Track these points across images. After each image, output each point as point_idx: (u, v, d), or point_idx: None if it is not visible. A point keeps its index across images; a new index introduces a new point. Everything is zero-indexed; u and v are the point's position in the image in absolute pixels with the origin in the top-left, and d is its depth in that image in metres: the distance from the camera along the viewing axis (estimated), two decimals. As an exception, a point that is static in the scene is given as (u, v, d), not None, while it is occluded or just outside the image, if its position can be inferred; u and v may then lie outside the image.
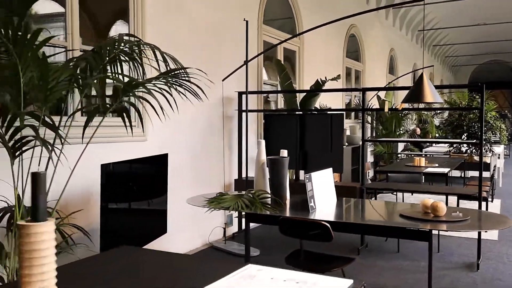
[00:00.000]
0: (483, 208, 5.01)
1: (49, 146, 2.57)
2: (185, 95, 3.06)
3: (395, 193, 6.82)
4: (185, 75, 3.01)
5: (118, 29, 4.55)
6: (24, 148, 2.68)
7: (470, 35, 17.72)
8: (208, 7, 5.25)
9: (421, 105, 11.77)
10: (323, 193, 3.67)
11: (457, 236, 5.49)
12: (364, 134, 5.30)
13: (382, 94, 10.22)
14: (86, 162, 3.01)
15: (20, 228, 0.89)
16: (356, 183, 6.14)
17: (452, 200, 5.41)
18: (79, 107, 3.38)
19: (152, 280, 1.24)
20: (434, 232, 3.63)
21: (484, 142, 4.83)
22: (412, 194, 7.55)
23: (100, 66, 2.94)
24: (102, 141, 3.70)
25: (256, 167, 3.84)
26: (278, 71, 6.41)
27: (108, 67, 3.01)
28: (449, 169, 6.74)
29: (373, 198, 5.74)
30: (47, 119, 2.69)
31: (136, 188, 3.53)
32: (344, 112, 7.45)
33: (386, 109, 5.30)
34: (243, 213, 4.35)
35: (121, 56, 3.03)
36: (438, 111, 12.54)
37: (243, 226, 5.63)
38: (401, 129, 10.06)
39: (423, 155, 9.64)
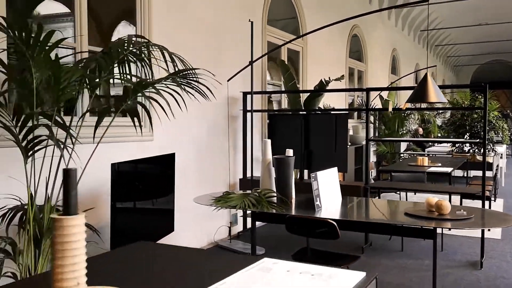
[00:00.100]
0: (486, 207, 5.04)
1: (61, 145, 2.63)
2: (193, 95, 3.11)
3: (398, 192, 6.86)
4: (194, 76, 3.06)
5: (121, 29, 4.60)
6: (36, 148, 2.74)
7: (472, 35, 17.75)
8: (212, 8, 5.30)
9: (423, 105, 11.82)
10: (328, 192, 3.71)
11: (460, 235, 5.53)
12: (368, 133, 5.35)
13: (384, 94, 10.25)
14: (96, 161, 3.06)
15: (54, 221, 0.94)
16: (360, 182, 6.18)
17: (455, 199, 5.45)
18: (88, 107, 3.43)
19: (173, 273, 1.29)
20: (438, 230, 3.67)
21: (486, 141, 4.87)
22: (415, 194, 7.59)
23: (109, 67, 3.00)
24: (110, 140, 3.75)
25: (262, 167, 3.88)
26: (282, 71, 6.46)
27: (116, 68, 3.06)
28: (452, 168, 6.78)
29: (377, 197, 5.78)
30: (58, 119, 2.75)
31: (144, 187, 3.59)
32: (348, 112, 7.49)
33: (390, 109, 5.34)
34: (248, 212, 4.41)
35: (129, 57, 3.09)
36: (440, 111, 12.59)
37: (248, 225, 5.68)
38: (403, 129, 10.10)
39: (426, 155, 9.69)
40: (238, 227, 5.77)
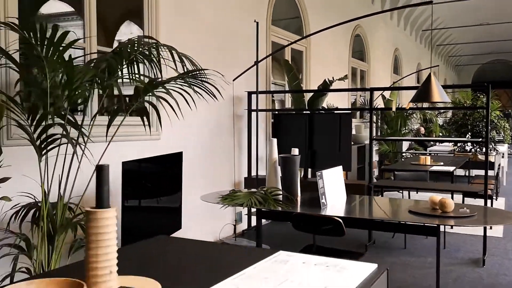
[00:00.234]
0: (488, 206, 5.11)
1: (74, 143, 2.69)
2: (202, 95, 3.17)
3: (401, 191, 6.92)
4: (203, 76, 3.12)
5: (125, 30, 4.65)
6: (49, 147, 2.80)
7: (473, 34, 17.80)
8: (217, 8, 5.36)
9: (425, 105, 11.87)
10: (333, 190, 3.78)
11: (462, 233, 5.59)
12: (372, 133, 5.41)
13: (386, 93, 10.31)
14: (106, 160, 3.12)
15: (88, 214, 1.01)
16: (363, 181, 6.24)
17: (458, 198, 5.50)
18: (99, 106, 3.50)
19: (194, 265, 1.35)
20: (441, 228, 3.73)
21: (488, 141, 4.93)
22: (417, 192, 7.64)
23: (119, 67, 3.06)
24: (119, 139, 3.81)
25: (268, 165, 3.95)
26: (286, 71, 6.52)
27: (125, 68, 3.12)
28: (454, 167, 6.84)
29: (380, 196, 5.84)
30: (70, 118, 2.81)
31: (153, 185, 3.65)
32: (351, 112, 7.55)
33: (394, 108, 5.40)
34: (253, 210, 4.47)
35: (139, 57, 3.15)
36: (442, 111, 12.64)
37: (253, 223, 5.75)
38: (406, 128, 10.17)
39: (428, 154, 9.75)
40: (243, 225, 5.84)
